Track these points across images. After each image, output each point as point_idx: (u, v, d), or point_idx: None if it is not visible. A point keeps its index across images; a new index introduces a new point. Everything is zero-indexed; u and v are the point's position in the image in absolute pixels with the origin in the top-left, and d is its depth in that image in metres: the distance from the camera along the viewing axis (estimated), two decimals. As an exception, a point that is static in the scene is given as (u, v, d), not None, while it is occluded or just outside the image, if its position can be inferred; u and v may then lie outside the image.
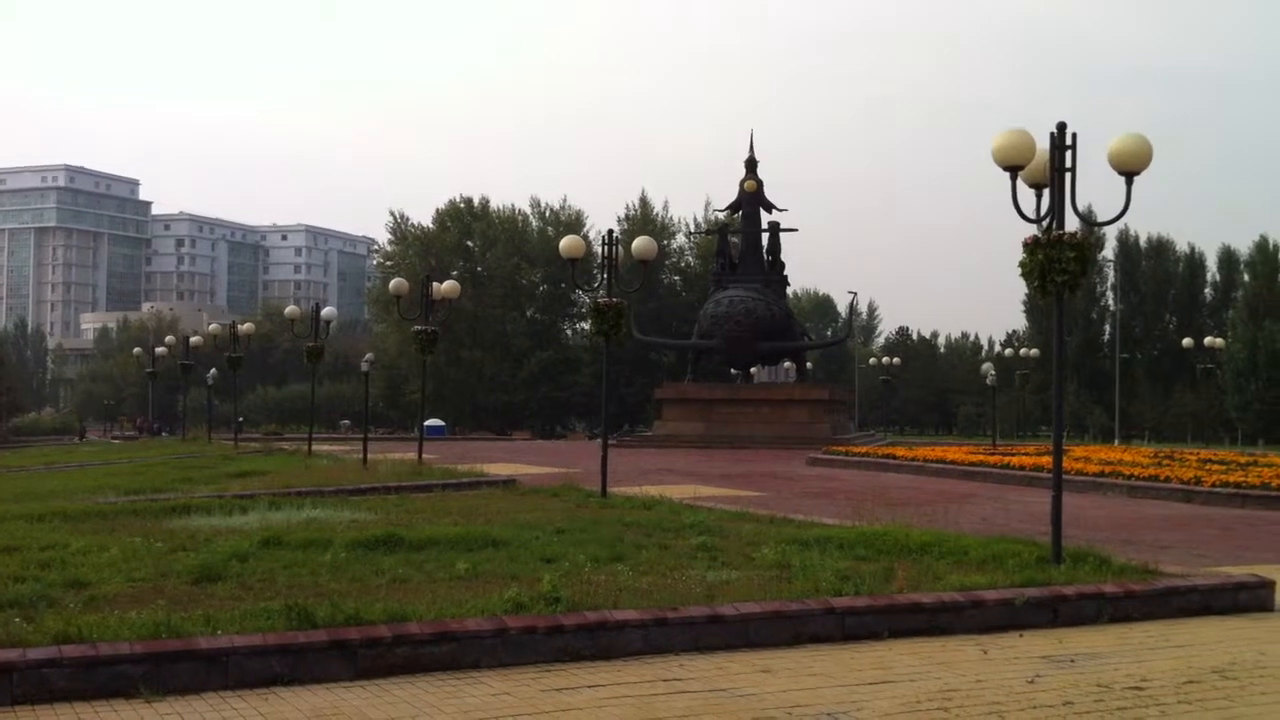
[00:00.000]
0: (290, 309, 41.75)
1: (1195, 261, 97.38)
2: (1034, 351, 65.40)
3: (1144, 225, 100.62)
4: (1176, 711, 7.31)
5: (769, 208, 56.26)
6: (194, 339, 55.54)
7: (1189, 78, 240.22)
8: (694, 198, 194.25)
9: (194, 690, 7.59)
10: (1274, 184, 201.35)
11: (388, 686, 7.79)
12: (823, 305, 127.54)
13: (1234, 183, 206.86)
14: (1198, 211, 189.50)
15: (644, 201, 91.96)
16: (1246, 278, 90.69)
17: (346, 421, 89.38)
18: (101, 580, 10.30)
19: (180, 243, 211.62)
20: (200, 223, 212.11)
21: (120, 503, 17.97)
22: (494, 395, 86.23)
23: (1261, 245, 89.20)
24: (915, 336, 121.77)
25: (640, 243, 21.85)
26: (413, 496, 20.12)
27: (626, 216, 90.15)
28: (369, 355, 40.33)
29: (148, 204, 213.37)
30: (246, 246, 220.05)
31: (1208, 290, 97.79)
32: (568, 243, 22.07)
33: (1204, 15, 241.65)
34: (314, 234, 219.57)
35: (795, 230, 56.84)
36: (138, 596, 9.56)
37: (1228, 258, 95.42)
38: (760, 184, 56.00)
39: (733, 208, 58.19)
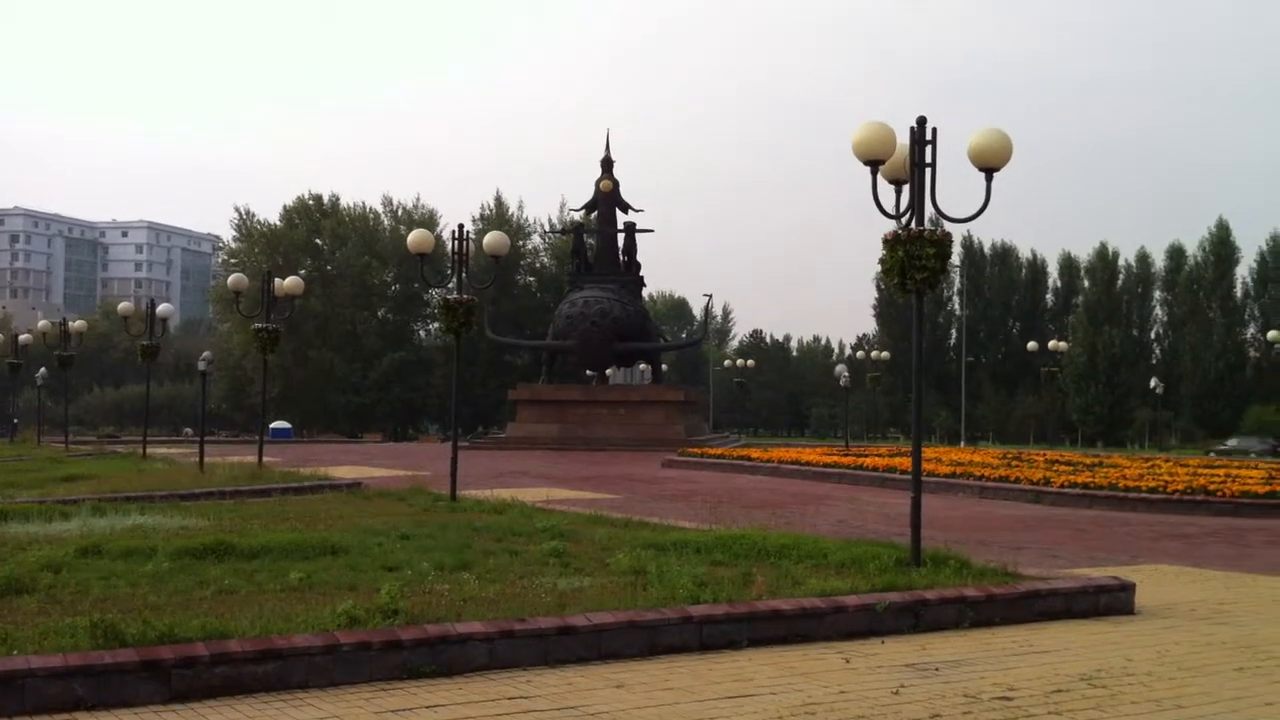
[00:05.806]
0: (124, 305, 39.75)
1: (1038, 268, 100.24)
2: (885, 354, 66.33)
3: (988, 233, 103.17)
4: (1047, 722, 6.99)
5: (625, 208, 55.93)
6: (23, 337, 53.04)
7: (1020, 83, 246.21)
8: (550, 198, 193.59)
9: (-18, 719, 6.79)
10: (1112, 191, 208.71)
11: (204, 711, 7.08)
12: (678, 307, 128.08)
13: (1073, 190, 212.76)
14: (1039, 218, 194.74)
15: (499, 201, 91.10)
16: (1087, 284, 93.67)
17: (189, 430, 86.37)
18: (-106, 597, 9.38)
19: (15, 238, 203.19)
20: (36, 218, 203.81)
21: (-71, 510, 16.74)
22: (344, 396, 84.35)
23: (1101, 252, 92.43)
24: (769, 339, 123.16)
25: (492, 237, 21.22)
26: (250, 501, 19.20)
27: (481, 216, 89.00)
28: (206, 354, 38.73)
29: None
30: (85, 243, 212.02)
31: (1049, 296, 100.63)
32: (416, 237, 21.29)
33: (1031, 19, 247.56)
34: (156, 231, 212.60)
35: (651, 231, 56.70)
36: (-71, 614, 8.66)
37: (1069, 264, 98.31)
38: (616, 184, 55.66)
39: (588, 207, 57.71)
